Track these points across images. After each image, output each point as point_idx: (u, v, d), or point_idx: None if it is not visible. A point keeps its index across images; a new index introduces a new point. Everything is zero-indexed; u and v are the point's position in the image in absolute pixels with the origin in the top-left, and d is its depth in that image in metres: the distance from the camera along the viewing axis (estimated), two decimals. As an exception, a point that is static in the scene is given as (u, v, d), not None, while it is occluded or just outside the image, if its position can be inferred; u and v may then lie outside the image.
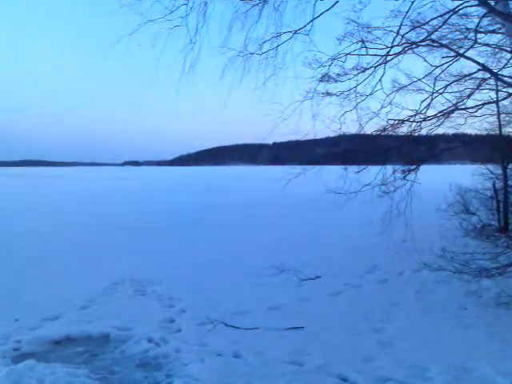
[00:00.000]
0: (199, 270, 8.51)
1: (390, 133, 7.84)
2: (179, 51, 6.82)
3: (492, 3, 5.61)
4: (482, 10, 6.10)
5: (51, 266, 8.68)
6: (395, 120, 7.63)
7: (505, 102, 9.38)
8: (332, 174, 8.17)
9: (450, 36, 7.23)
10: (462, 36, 7.20)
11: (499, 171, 10.31)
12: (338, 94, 7.75)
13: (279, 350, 4.81)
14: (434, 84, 7.41)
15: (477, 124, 10.85)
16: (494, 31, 7.16)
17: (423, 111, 7.39)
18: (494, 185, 10.34)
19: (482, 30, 6.86)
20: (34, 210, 19.85)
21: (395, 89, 7.84)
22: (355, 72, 7.48)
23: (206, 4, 6.69)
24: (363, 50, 7.19)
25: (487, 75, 7.28)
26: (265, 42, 7.12)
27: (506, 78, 6.37)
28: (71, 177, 69.63)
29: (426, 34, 6.60)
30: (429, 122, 7.63)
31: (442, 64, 7.33)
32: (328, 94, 7.78)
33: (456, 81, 7.86)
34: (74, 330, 5.32)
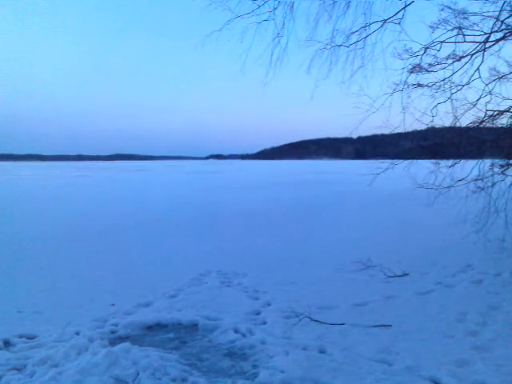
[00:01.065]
0: (284, 263, 8.58)
1: (488, 125, 7.36)
2: (266, 45, 6.91)
3: None
4: None
5: (144, 256, 9.20)
6: (494, 111, 7.14)
7: None
8: (421, 168, 7.85)
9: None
10: None
11: None
12: (429, 84, 7.40)
13: (366, 347, 4.72)
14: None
15: None
16: None
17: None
18: None
19: None
20: (120, 202, 21.09)
21: (494, 78, 7.32)
22: (450, 61, 7.10)
23: (293, -3, 6.71)
24: (459, 38, 6.80)
25: None
26: (352, 33, 6.99)
27: None
28: (159, 170, 73.18)
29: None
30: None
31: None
32: (419, 85, 7.46)
33: None
34: (164, 317, 5.61)
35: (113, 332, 5.21)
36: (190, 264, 8.50)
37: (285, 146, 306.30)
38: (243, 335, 5.07)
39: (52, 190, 29.77)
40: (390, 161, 7.83)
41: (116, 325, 5.37)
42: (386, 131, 7.72)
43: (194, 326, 5.41)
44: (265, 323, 5.49)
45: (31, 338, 4.99)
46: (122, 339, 4.98)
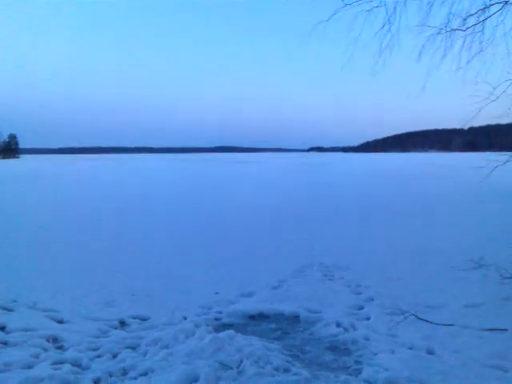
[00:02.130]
0: (389, 258, 8.33)
1: None
2: (374, 33, 6.69)
3: None
4: None
5: (248, 247, 9.46)
6: None
7: None
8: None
9: None
10: None
11: None
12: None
13: (478, 351, 4.43)
14: None
15: None
16: None
17: None
18: None
19: None
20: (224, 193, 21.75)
21: None
22: None
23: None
24: None
25: None
26: (470, 15, 6.50)
27: None
28: (266, 162, 74.52)
29: None
30: None
31: None
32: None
33: None
34: (266, 308, 5.73)
35: (217, 319, 5.43)
36: (293, 256, 8.57)
37: (388, 138, 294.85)
38: (345, 330, 5.01)
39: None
40: (510, 153, 7.19)
41: (220, 312, 5.59)
42: (507, 121, 7.11)
43: (295, 318, 5.46)
44: (368, 319, 5.38)
45: (144, 319, 5.39)
46: (225, 326, 5.18)
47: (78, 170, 54.43)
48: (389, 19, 6.57)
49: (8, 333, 4.93)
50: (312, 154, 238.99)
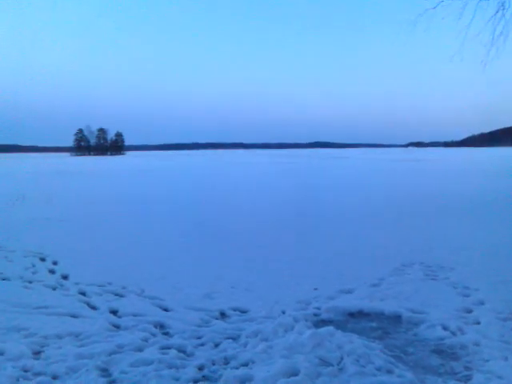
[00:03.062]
0: (503, 259, 7.74)
1: None
2: (486, 22, 6.26)
3: None
4: None
5: (347, 242, 9.33)
6: None
7: None
8: None
9: None
10: None
11: None
12: None
13: None
14: None
15: None
16: None
17: None
18: None
19: None
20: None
21: None
22: None
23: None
24: None
25: None
26: None
27: None
28: (358, 157, 73.00)
29: None
30: None
31: None
32: None
33: None
34: (366, 305, 5.60)
35: (316, 315, 5.42)
36: (393, 254, 8.29)
37: (497, 131, 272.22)
38: (453, 333, 4.75)
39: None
40: None
41: (319, 308, 5.57)
42: None
43: (397, 318, 5.28)
44: (478, 323, 5.05)
45: (244, 311, 5.53)
46: (324, 322, 5.16)
47: (181, 164, 57.06)
48: (502, 4, 6.10)
49: (120, 317, 5.34)
50: (411, 149, 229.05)
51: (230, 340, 4.68)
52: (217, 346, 4.56)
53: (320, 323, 5.13)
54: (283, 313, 5.38)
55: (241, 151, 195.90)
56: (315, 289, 6.32)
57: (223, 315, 5.47)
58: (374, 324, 5.13)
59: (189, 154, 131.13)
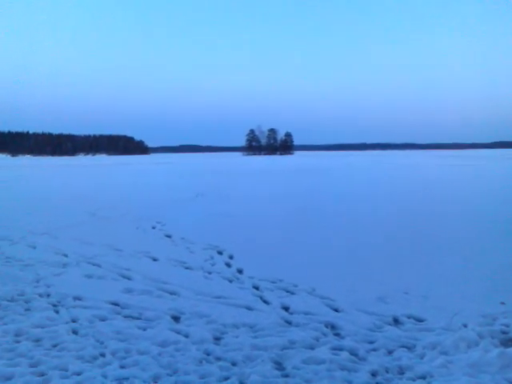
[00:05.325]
0: None
1: None
2: None
3: None
4: None
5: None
6: None
7: None
8: None
9: None
10: None
11: None
12: None
13: None
14: None
15: None
16: None
17: None
18: None
19: None
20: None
21: None
22: None
23: None
24: None
25: None
26: None
27: None
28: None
29: None
30: None
31: None
32: None
33: None
34: None
35: (504, 332, 4.90)
36: None
37: None
38: None
39: None
40: None
41: (507, 325, 5.03)
42: None
43: None
44: None
45: (419, 320, 5.27)
46: (515, 342, 4.63)
47: (349, 163, 56.93)
48: None
49: (291, 314, 5.53)
50: None
51: (405, 349, 4.50)
52: (390, 353, 4.42)
53: (509, 342, 4.63)
54: (465, 326, 4.98)
55: (410, 152, 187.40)
56: (502, 303, 5.73)
57: (396, 321, 5.28)
58: None
59: (355, 155, 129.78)
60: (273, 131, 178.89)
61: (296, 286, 6.58)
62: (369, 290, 6.33)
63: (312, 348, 4.53)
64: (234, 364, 4.20)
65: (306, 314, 5.49)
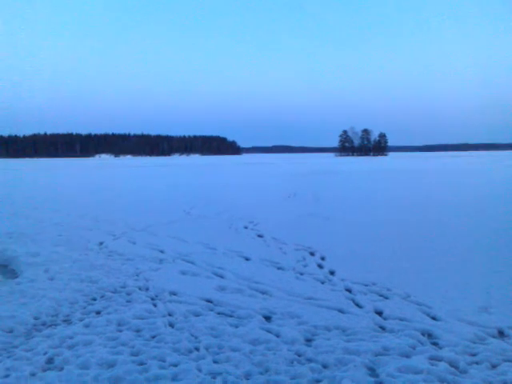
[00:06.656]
0: None
1: None
2: None
3: None
4: None
5: None
6: None
7: None
8: None
9: None
10: None
11: None
12: None
13: None
14: None
15: None
16: None
17: None
18: None
19: None
20: None
21: None
22: None
23: None
24: None
25: None
26: None
27: None
28: None
29: None
30: None
31: None
32: None
33: None
34: None
35: None
36: None
37: None
38: None
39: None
40: None
41: None
42: None
43: None
44: None
45: (528, 334, 4.89)
46: None
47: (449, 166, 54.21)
48: None
49: (385, 319, 5.39)
50: None
51: (511, 363, 4.20)
52: (494, 367, 4.15)
53: None
54: None
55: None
56: None
57: (501, 334, 4.94)
58: None
59: (456, 156, 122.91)
60: (366, 132, 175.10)
61: (389, 290, 6.40)
62: (469, 298, 5.98)
63: (408, 356, 4.37)
64: (325, 367, 4.18)
65: (401, 319, 5.31)
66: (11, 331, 5.13)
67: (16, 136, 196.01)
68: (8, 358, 4.47)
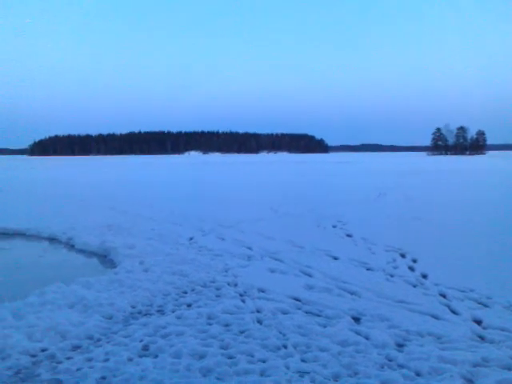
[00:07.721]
0: None
1: None
2: None
3: None
4: None
5: None
6: None
7: None
8: None
9: None
10: None
11: None
12: None
13: None
14: None
15: None
16: None
17: None
18: None
19: None
20: None
21: None
22: None
23: None
24: None
25: None
26: None
27: None
28: None
29: None
30: None
31: None
32: None
33: None
34: None
35: None
36: None
37: None
38: None
39: None
40: None
41: None
42: None
43: None
44: None
45: None
46: None
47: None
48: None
49: (485, 328, 5.08)
50: None
51: None
52: None
53: None
54: None
55: None
56: None
57: None
58: None
59: None
60: (462, 129, 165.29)
61: (490, 298, 6.01)
62: None
63: (510, 369, 4.09)
64: (418, 374, 4.03)
65: (503, 330, 4.98)
66: (110, 318, 5.50)
67: (113, 134, 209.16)
68: (108, 342, 4.80)
